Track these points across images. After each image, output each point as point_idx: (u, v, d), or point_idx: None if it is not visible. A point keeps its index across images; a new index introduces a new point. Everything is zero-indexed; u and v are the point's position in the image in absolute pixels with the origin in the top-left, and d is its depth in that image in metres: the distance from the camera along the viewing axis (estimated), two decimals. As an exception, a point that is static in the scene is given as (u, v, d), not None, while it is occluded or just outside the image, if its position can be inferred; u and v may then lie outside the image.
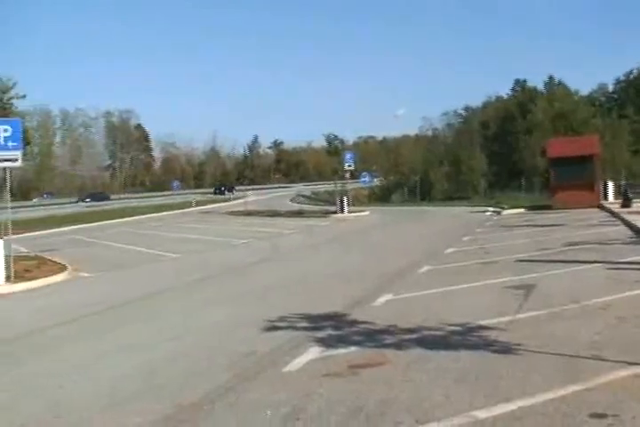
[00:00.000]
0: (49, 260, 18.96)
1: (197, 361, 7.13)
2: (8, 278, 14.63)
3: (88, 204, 73.70)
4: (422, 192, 53.35)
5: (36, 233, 34.25)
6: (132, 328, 9.51)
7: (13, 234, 16.13)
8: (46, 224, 41.07)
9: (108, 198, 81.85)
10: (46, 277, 15.62)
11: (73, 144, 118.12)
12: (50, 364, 7.74)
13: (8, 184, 15.69)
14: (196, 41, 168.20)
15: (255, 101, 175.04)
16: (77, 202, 77.71)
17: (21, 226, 26.91)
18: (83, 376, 7.00)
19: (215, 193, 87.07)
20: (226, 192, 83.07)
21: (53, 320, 10.56)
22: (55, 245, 25.64)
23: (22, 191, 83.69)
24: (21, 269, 16.04)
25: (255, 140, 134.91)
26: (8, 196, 15.81)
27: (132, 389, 6.30)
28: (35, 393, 6.50)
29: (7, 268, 14.68)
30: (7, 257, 14.76)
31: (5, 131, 15.13)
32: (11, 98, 17.07)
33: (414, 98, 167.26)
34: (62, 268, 17.02)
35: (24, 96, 17.50)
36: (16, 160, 15.37)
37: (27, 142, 17.11)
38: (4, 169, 15.63)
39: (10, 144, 15.13)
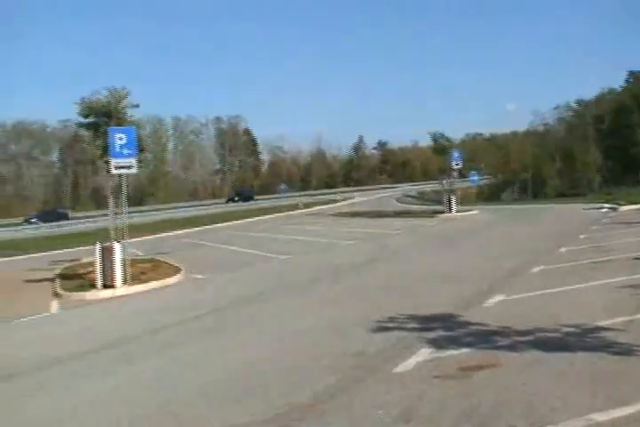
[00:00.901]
0: (163, 262, 19.56)
1: (307, 361, 7.14)
2: (125, 280, 15.18)
3: (234, 204, 75.75)
4: (534, 190, 51.85)
5: (151, 237, 35.55)
6: (241, 329, 9.64)
7: (129, 238, 16.72)
8: (160, 228, 42.56)
9: (252, 198, 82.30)
10: (161, 279, 16.13)
11: (184, 150, 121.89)
12: (160, 363, 7.97)
13: (124, 190, 16.28)
14: (300, 44, 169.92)
15: (359, 102, 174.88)
16: (227, 202, 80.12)
17: (136, 230, 27.90)
18: (194, 374, 7.15)
19: (228, 202, 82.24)
20: (242, 202, 76.25)
21: (164, 322, 10.86)
22: (169, 248, 26.50)
23: (137, 197, 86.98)
24: (137, 271, 16.60)
25: (360, 140, 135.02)
26: (124, 201, 16.42)
27: (242, 388, 6.38)
28: (147, 391, 6.70)
29: (124, 270, 15.22)
30: (124, 260, 15.31)
31: (120, 139, 15.66)
32: (125, 107, 17.63)
33: (524, 93, 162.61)
34: (176, 270, 17.52)
35: (137, 105, 18.01)
36: (131, 167, 15.90)
37: (141, 149, 17.65)
38: (120, 175, 16.23)
39: (125, 151, 15.66)
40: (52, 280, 17.43)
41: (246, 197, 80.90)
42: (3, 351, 9.72)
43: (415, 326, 8.31)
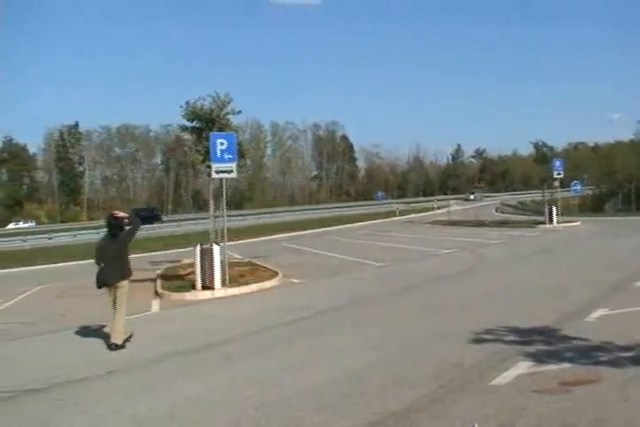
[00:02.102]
0: (261, 266, 19.87)
1: (403, 369, 7.10)
2: (224, 283, 15.50)
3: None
4: (638, 201, 49.73)
5: (248, 240, 36.18)
6: (339, 334, 9.67)
7: (228, 241, 17.07)
8: (257, 232, 43.30)
9: (157, 219, 64.74)
10: (259, 282, 16.38)
11: (282, 156, 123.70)
12: (261, 364, 8.07)
13: (224, 194, 16.66)
14: (399, 51, 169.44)
15: (457, 109, 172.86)
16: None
17: (235, 233, 28.50)
18: (293, 378, 7.22)
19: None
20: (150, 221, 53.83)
21: (264, 324, 11.06)
22: (266, 252, 26.89)
23: (236, 201, 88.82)
24: (236, 274, 16.94)
25: (458, 148, 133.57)
26: (224, 205, 16.79)
27: (341, 393, 6.40)
28: (246, 392, 6.80)
29: (223, 273, 15.54)
30: (223, 262, 15.64)
31: (222, 144, 16.04)
32: (227, 113, 18.07)
33: (629, 102, 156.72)
34: (273, 274, 17.75)
35: (239, 112, 18.42)
36: (231, 172, 16.26)
37: (241, 155, 18.02)
38: (221, 180, 16.61)
39: (226, 156, 16.03)
40: (153, 280, 17.98)
41: (148, 218, 53.58)
42: (106, 350, 10.09)
43: (514, 338, 8.13)
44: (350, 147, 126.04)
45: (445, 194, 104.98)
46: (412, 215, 59.94)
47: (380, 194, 74.94)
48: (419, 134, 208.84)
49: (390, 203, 74.67)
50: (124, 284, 10.00)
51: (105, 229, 10.64)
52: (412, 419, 5.42)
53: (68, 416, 6.45)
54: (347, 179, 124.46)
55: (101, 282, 10.01)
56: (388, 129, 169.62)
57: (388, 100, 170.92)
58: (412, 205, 79.29)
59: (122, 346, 9.76)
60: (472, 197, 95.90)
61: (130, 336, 10.12)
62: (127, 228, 10.30)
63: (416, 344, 8.50)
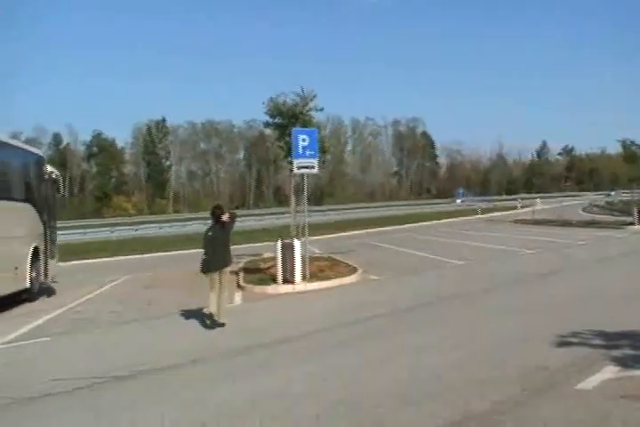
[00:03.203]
0: (340, 261, 19.93)
1: (486, 370, 7.01)
2: (304, 277, 15.64)
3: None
4: None
5: (328, 236, 36.36)
6: (419, 332, 9.63)
7: (310, 236, 17.18)
8: (337, 227, 43.44)
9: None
10: (338, 277, 16.45)
11: (363, 152, 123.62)
12: (340, 359, 8.11)
13: (305, 190, 16.80)
14: (483, 48, 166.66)
15: (543, 105, 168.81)
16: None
17: (315, 228, 28.68)
18: (373, 374, 7.23)
19: None
20: None
21: (344, 319, 11.11)
22: (346, 247, 26.97)
23: (316, 196, 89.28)
24: (316, 269, 17.06)
25: (544, 145, 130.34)
26: (305, 200, 16.93)
27: (422, 391, 6.37)
28: (326, 386, 6.85)
29: (303, 267, 15.69)
30: (303, 257, 15.79)
31: (304, 140, 16.19)
32: (309, 110, 18.21)
33: None
34: (353, 270, 17.78)
35: (322, 109, 18.55)
36: (313, 167, 16.39)
37: (323, 151, 18.14)
38: (302, 175, 16.76)
39: (308, 152, 16.17)
40: (236, 273, 18.30)
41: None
42: (191, 338, 10.35)
43: (600, 342, 7.91)
44: (431, 143, 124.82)
45: (529, 192, 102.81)
46: (495, 214, 58.87)
47: (461, 191, 73.91)
48: (502, 131, 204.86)
49: (472, 200, 73.59)
50: (228, 270, 11.30)
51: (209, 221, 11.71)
52: (494, 421, 5.36)
53: (155, 403, 6.66)
54: (427, 176, 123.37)
55: (207, 267, 11.08)
56: (471, 125, 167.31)
57: (471, 96, 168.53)
58: (495, 203, 77.91)
59: (222, 324, 10.81)
60: (458, 201, 78.46)
61: (223, 324, 10.91)
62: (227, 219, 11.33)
63: (498, 345, 8.37)
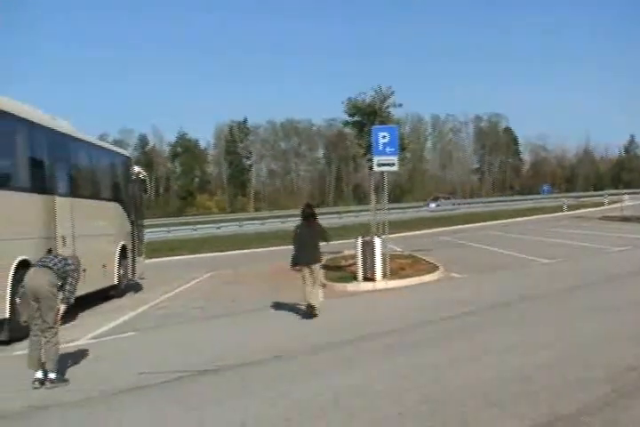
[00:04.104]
0: (421, 259, 19.79)
1: (573, 371, 6.81)
2: (384, 275, 15.60)
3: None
4: None
5: (408, 233, 36.09)
6: (503, 331, 9.45)
7: (388, 233, 17.12)
8: (417, 225, 43.10)
9: None
10: (419, 275, 16.35)
11: (443, 149, 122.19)
12: (423, 358, 8.05)
13: (385, 187, 16.75)
14: (561, 39, 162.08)
15: (631, 98, 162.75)
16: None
17: (395, 226, 28.54)
18: (456, 373, 7.13)
19: None
20: None
21: (425, 317, 11.02)
22: (426, 245, 26.70)
23: (396, 194, 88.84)
24: (396, 266, 16.99)
25: (632, 140, 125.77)
26: (385, 198, 16.88)
27: (507, 391, 6.25)
28: (409, 384, 6.81)
29: (384, 265, 15.64)
30: (384, 255, 15.74)
31: (384, 137, 16.13)
32: (388, 106, 18.16)
33: None
34: (434, 267, 17.63)
35: (400, 105, 18.45)
36: (393, 165, 16.32)
37: (402, 148, 18.04)
38: (382, 173, 16.71)
39: (388, 150, 16.11)
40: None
41: None
42: (274, 335, 10.48)
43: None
44: (514, 139, 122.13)
45: (617, 188, 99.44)
46: (581, 210, 57.12)
47: (545, 188, 72.11)
48: (588, 125, 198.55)
49: (557, 197, 71.64)
50: (317, 266, 11.86)
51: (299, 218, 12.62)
52: (582, 423, 5.20)
53: (239, 398, 6.76)
54: (510, 172, 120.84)
55: (295, 262, 11.86)
56: (555, 120, 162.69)
57: (554, 90, 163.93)
58: (581, 199, 75.65)
59: (315, 314, 11.49)
60: (433, 205, 72.58)
61: (315, 314, 11.57)
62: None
63: (586, 345, 8.12)
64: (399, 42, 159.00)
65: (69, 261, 8.17)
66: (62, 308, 7.90)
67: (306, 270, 11.68)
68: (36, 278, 7.79)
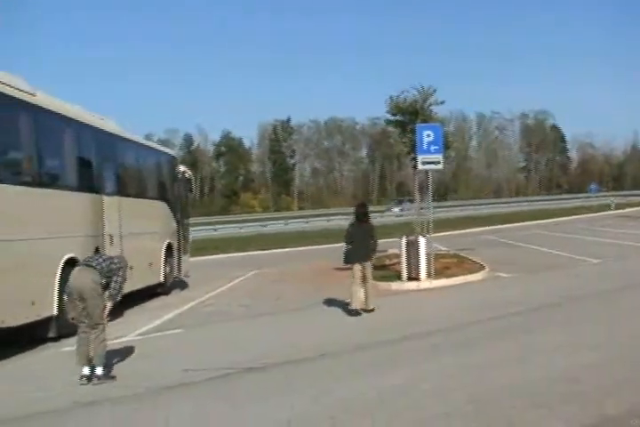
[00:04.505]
0: (466, 258, 19.60)
1: (623, 372, 6.68)
2: (429, 274, 15.49)
3: None
4: None
5: (452, 232, 35.80)
6: (551, 332, 9.28)
7: (434, 233, 17.00)
8: (462, 224, 42.74)
9: None
10: (464, 275, 16.20)
11: (488, 147, 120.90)
12: (468, 358, 7.96)
13: (430, 186, 16.64)
14: (608, 35, 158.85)
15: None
16: None
17: (439, 225, 28.42)
18: (502, 373, 7.05)
19: None
20: None
21: (471, 317, 10.89)
22: (471, 244, 26.45)
23: (440, 193, 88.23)
24: (441, 266, 16.85)
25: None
26: (430, 197, 16.77)
27: (555, 393, 6.15)
28: (455, 384, 6.74)
29: (428, 264, 15.53)
30: (428, 254, 15.63)
31: (428, 136, 16.02)
32: (430, 105, 18.04)
33: None
34: (480, 267, 17.45)
35: (443, 102, 18.32)
36: (437, 163, 16.19)
37: (447, 146, 17.91)
38: (426, 171, 16.60)
39: (432, 148, 15.97)
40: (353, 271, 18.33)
41: None
42: (319, 333, 10.49)
43: None
44: (561, 137, 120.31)
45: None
46: (630, 209, 56.00)
47: (593, 186, 70.56)
48: (636, 122, 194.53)
49: (605, 196, 70.18)
50: (369, 264, 12.07)
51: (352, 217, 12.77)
52: (630, 425, 5.09)
53: (283, 395, 6.77)
54: (557, 170, 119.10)
55: (349, 259, 12.09)
56: (603, 117, 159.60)
57: (602, 87, 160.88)
58: (630, 198, 74.14)
59: (372, 310, 11.82)
60: (396, 209, 66.52)
61: (372, 309, 11.88)
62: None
63: (635, 346, 7.94)
64: (444, 39, 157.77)
65: (115, 260, 8.28)
66: (108, 305, 8.02)
67: (357, 268, 11.90)
68: (80, 278, 7.92)
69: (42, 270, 10.59)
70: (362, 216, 12.41)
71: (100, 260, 8.19)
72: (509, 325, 10.14)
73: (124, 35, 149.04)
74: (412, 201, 73.94)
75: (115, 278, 8.04)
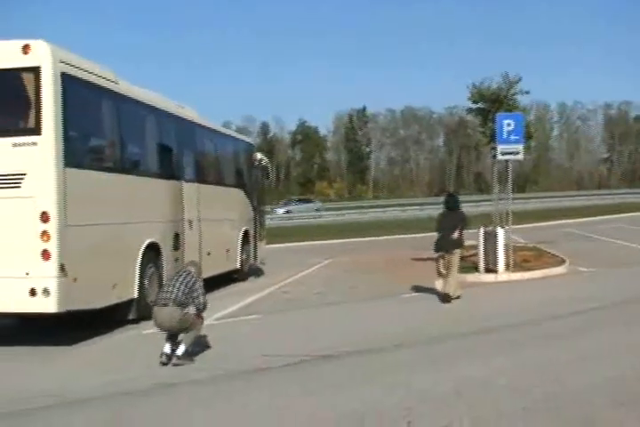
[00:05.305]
0: (546, 252, 19.18)
1: None
2: (507, 267, 15.21)
3: None
4: None
5: (531, 225, 35.02)
6: (633, 329, 9.03)
7: (513, 225, 16.65)
8: (541, 216, 41.77)
9: None
10: (544, 268, 15.86)
11: (570, 137, 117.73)
12: (546, 353, 7.85)
13: (509, 176, 16.30)
14: None
15: None
16: None
17: (517, 217, 27.89)
18: (581, 370, 6.95)
19: None
20: None
21: (549, 312, 10.70)
22: (550, 237, 25.84)
23: (519, 184, 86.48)
24: (520, 258, 16.52)
25: None
26: (509, 188, 16.43)
27: (636, 391, 6.00)
28: (532, 380, 6.63)
29: (507, 257, 15.25)
30: (507, 246, 15.34)
31: (509, 125, 15.70)
32: (514, 93, 17.61)
33: None
34: (560, 261, 17.03)
35: (528, 92, 17.86)
36: (518, 153, 15.86)
37: (528, 136, 17.49)
38: (506, 162, 16.27)
39: (512, 138, 15.65)
40: (436, 260, 18.15)
41: None
42: (394, 323, 10.45)
43: None
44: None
45: None
46: None
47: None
48: None
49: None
50: (457, 251, 12.33)
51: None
52: None
53: (359, 384, 6.79)
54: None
55: (439, 248, 12.40)
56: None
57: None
58: None
59: (449, 300, 11.98)
60: (281, 211, 56.88)
61: (457, 297, 12.18)
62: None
63: None
64: (523, 28, 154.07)
65: (189, 277, 8.27)
66: (199, 315, 8.23)
67: (447, 256, 12.22)
68: (163, 318, 8.04)
69: (124, 254, 10.86)
70: (452, 205, 12.69)
71: (176, 287, 8.11)
72: (590, 321, 9.92)
73: (209, 22, 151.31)
74: (307, 201, 64.48)
75: (195, 294, 8.11)
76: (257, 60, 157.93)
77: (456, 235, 12.17)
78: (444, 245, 12.26)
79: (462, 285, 12.82)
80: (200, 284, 8.32)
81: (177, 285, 8.16)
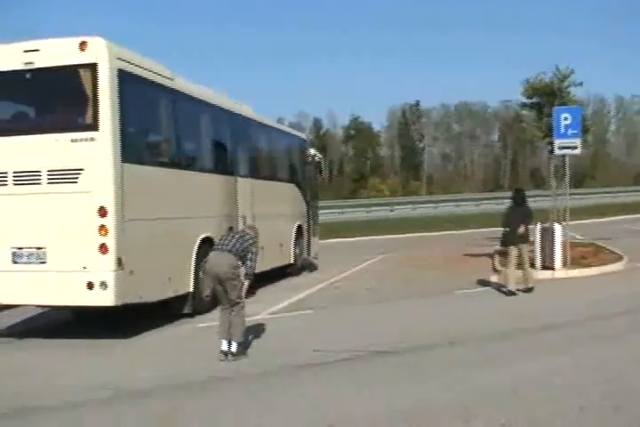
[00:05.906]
0: (604, 248, 18.76)
1: None
2: (564, 264, 14.92)
3: None
4: None
5: (588, 220, 34.32)
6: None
7: (570, 221, 16.34)
8: (599, 212, 40.89)
9: None
10: (602, 265, 15.52)
11: (628, 132, 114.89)
12: (606, 352, 7.70)
13: (567, 172, 15.99)
14: None
15: None
16: None
17: (574, 213, 27.38)
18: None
19: None
20: None
21: (609, 310, 10.49)
22: (609, 233, 25.28)
23: (576, 179, 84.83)
24: (577, 255, 16.18)
25: None
26: (567, 183, 16.12)
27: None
28: (591, 379, 6.52)
29: (564, 253, 14.95)
30: (564, 242, 15.05)
31: (566, 119, 15.38)
32: (568, 86, 17.23)
33: None
34: (618, 257, 16.63)
35: (581, 83, 17.45)
36: (575, 148, 15.53)
37: (585, 130, 17.11)
38: (563, 156, 15.96)
39: (569, 132, 15.33)
40: (491, 256, 17.96)
41: None
42: (449, 320, 10.36)
43: None
44: None
45: None
46: None
47: None
48: None
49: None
50: (525, 245, 12.70)
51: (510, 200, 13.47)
52: None
53: (412, 381, 6.76)
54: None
55: (504, 242, 12.82)
56: None
57: None
58: None
59: (513, 293, 12.33)
60: None
61: (531, 288, 12.62)
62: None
63: None
64: (577, 21, 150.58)
65: (247, 237, 8.43)
66: (246, 283, 8.24)
67: (514, 251, 12.53)
68: (217, 262, 8.14)
69: (180, 249, 11.01)
70: (519, 200, 12.99)
71: (234, 240, 8.33)
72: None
73: (266, 20, 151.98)
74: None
75: (249, 256, 8.23)
76: (310, 55, 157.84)
77: (522, 229, 12.41)
78: (511, 240, 12.53)
79: (518, 280, 12.63)
80: (255, 249, 8.40)
81: (233, 240, 8.35)
